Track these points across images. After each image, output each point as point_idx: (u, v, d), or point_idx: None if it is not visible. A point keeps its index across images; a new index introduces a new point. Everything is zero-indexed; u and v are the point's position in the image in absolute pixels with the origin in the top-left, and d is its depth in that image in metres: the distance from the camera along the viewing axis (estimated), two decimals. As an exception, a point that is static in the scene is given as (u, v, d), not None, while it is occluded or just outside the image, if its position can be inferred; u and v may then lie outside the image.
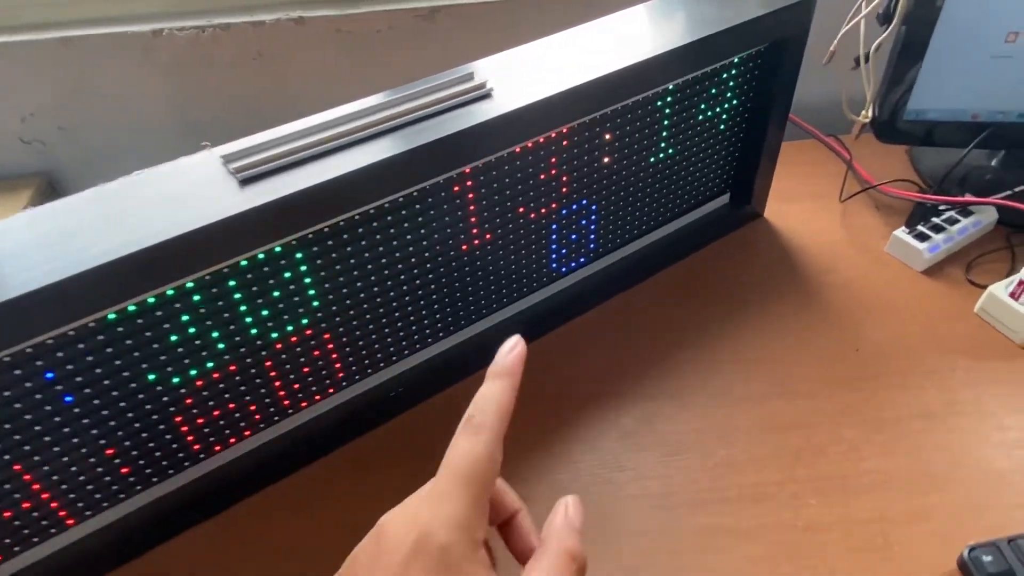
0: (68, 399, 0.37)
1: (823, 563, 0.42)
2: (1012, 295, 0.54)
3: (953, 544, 0.41)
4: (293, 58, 0.77)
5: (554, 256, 0.55)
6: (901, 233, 0.61)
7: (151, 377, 0.40)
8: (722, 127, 0.59)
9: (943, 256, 0.61)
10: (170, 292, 0.37)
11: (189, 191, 0.38)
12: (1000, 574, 0.38)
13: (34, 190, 0.84)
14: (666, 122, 0.54)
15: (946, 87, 0.62)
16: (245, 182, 0.38)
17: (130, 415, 0.40)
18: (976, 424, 0.49)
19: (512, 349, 0.30)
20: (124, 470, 0.42)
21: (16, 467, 0.38)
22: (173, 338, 0.39)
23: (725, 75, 0.55)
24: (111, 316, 0.36)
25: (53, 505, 0.41)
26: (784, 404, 0.51)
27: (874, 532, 0.43)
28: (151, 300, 0.37)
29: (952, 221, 0.62)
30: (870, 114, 0.64)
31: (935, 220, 0.62)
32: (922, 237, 0.60)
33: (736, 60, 0.55)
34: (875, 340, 0.55)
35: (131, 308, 0.37)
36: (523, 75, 0.46)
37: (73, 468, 0.40)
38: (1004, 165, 0.68)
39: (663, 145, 0.55)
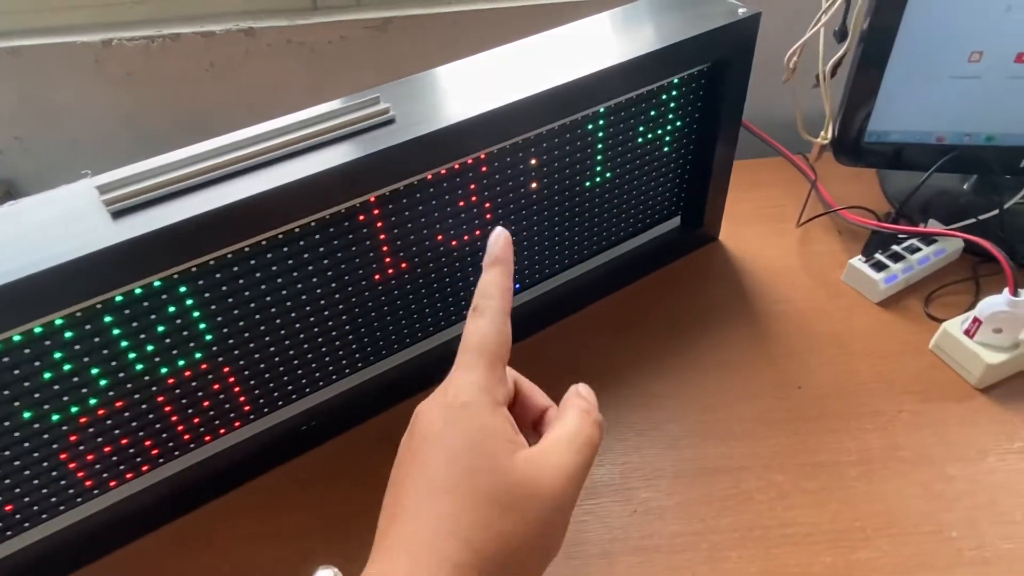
0: (-68, 439, 0.36)
1: (735, 624, 0.40)
2: (967, 332, 0.51)
3: (876, 608, 0.39)
4: (245, 69, 0.76)
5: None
6: (857, 262, 0.58)
7: (27, 415, 0.38)
8: (666, 149, 0.56)
9: (902, 287, 0.58)
10: (38, 329, 0.36)
11: (60, 223, 0.36)
12: (917, 646, 0.36)
13: (-8, 199, 0.83)
14: (600, 145, 0.51)
15: (908, 108, 0.58)
16: (118, 214, 0.36)
17: (7, 453, 0.39)
18: (917, 473, 0.46)
19: (498, 239, 0.34)
20: (8, 508, 0.41)
21: None
22: (47, 376, 0.37)
23: (665, 96, 0.52)
24: (-28, 355, 0.35)
25: (-72, 544, 0.39)
26: (715, 445, 0.48)
27: (793, 592, 0.41)
28: (17, 338, 0.35)
29: (913, 249, 0.58)
30: (829, 135, 0.61)
31: (895, 248, 0.59)
32: (879, 266, 0.57)
33: (676, 81, 0.52)
34: (820, 378, 0.52)
35: (-6, 346, 0.35)
36: (434, 100, 0.44)
37: (-53, 507, 0.39)
38: (976, 190, 0.64)
39: (599, 169, 0.53)
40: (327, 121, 0.41)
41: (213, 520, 0.47)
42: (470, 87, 0.45)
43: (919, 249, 0.58)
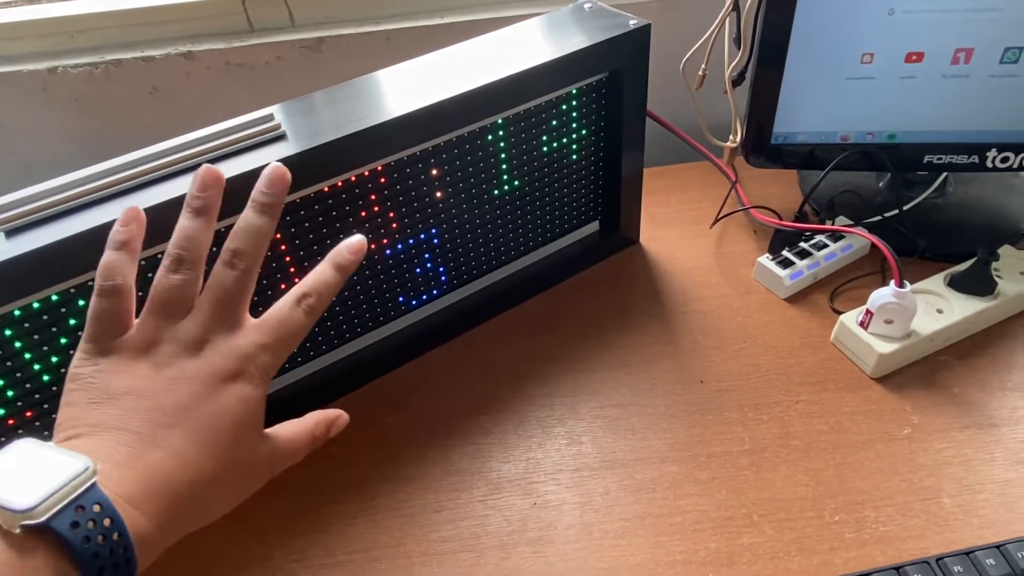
0: None
1: (617, 610, 0.41)
2: (861, 324, 0.53)
3: (753, 590, 0.40)
4: (187, 91, 0.78)
5: (398, 290, 0.55)
6: (764, 260, 0.60)
7: (-66, 425, 0.40)
8: (575, 157, 0.58)
9: (808, 283, 0.60)
10: (-65, 344, 0.38)
11: (-43, 243, 0.38)
12: (780, 623, 0.37)
13: (-50, 224, 0.85)
14: (503, 155, 0.53)
15: (810, 110, 0.60)
16: (10, 233, 0.38)
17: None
18: (807, 461, 0.48)
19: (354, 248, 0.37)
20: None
21: None
22: (-49, 387, 0.39)
23: (565, 106, 0.55)
24: None
25: None
26: (616, 440, 0.50)
27: (678, 574, 0.42)
28: (-85, 352, 0.38)
29: (820, 246, 0.60)
30: (737, 139, 0.63)
31: (803, 245, 0.60)
32: (786, 263, 0.59)
33: (574, 91, 0.54)
34: (722, 372, 0.54)
35: None
36: (328, 115, 0.46)
37: None
38: (890, 187, 0.66)
39: (506, 178, 0.55)
40: (220, 138, 0.44)
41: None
42: (365, 102, 0.47)
43: (826, 246, 0.60)
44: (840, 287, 0.59)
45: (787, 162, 0.65)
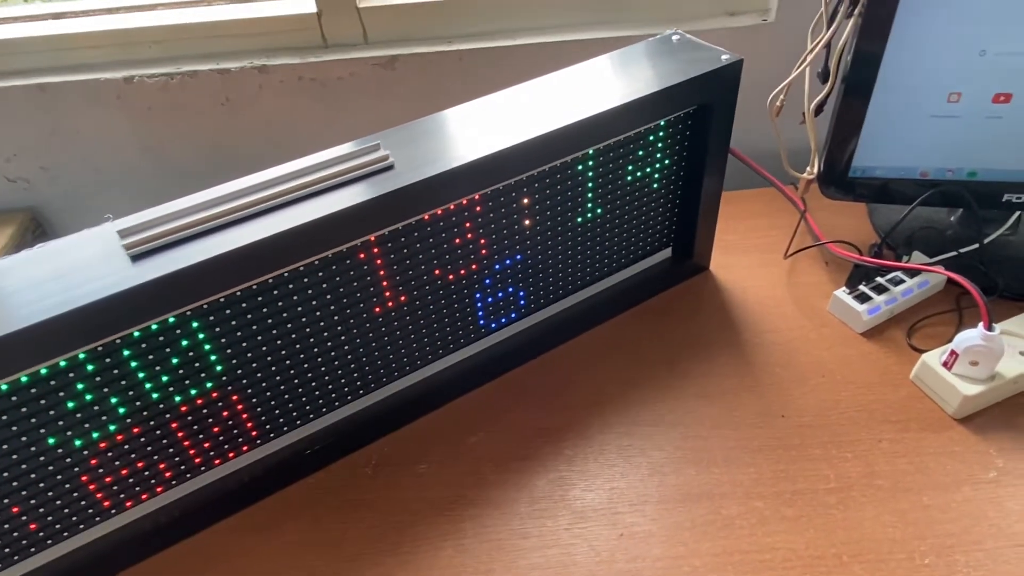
0: (-35, 463, 0.39)
1: (712, 646, 0.42)
2: (945, 364, 0.53)
3: (845, 633, 0.41)
4: (259, 103, 0.79)
5: (481, 313, 0.56)
6: (841, 293, 0.60)
7: (51, 441, 0.41)
8: (655, 186, 0.59)
9: (885, 318, 0.60)
10: (63, 363, 0.39)
11: (84, 266, 0.39)
12: (883, 670, 0.37)
13: (18, 225, 0.87)
14: (590, 184, 0.54)
15: (891, 145, 0.61)
16: (136, 258, 0.39)
17: (33, 475, 0.42)
18: (894, 501, 0.48)
19: None
20: (32, 526, 0.44)
21: (-83, 526, 0.40)
22: (70, 405, 0.41)
23: (652, 137, 0.55)
24: (3, 387, 0.38)
25: (-41, 560, 0.42)
26: (698, 473, 0.50)
27: (769, 615, 0.43)
28: (44, 371, 0.39)
29: (897, 281, 0.60)
30: (814, 171, 0.64)
31: (879, 280, 0.61)
32: (863, 298, 0.59)
33: (663, 123, 0.55)
34: (803, 406, 0.54)
35: (24, 379, 0.38)
36: (431, 145, 0.47)
37: (-24, 526, 0.42)
38: (962, 223, 0.66)
39: (590, 206, 0.55)
40: (330, 167, 0.44)
41: (221, 539, 0.50)
42: (465, 133, 0.48)
43: (903, 281, 0.60)
44: (916, 324, 0.59)
45: (861, 195, 0.65)
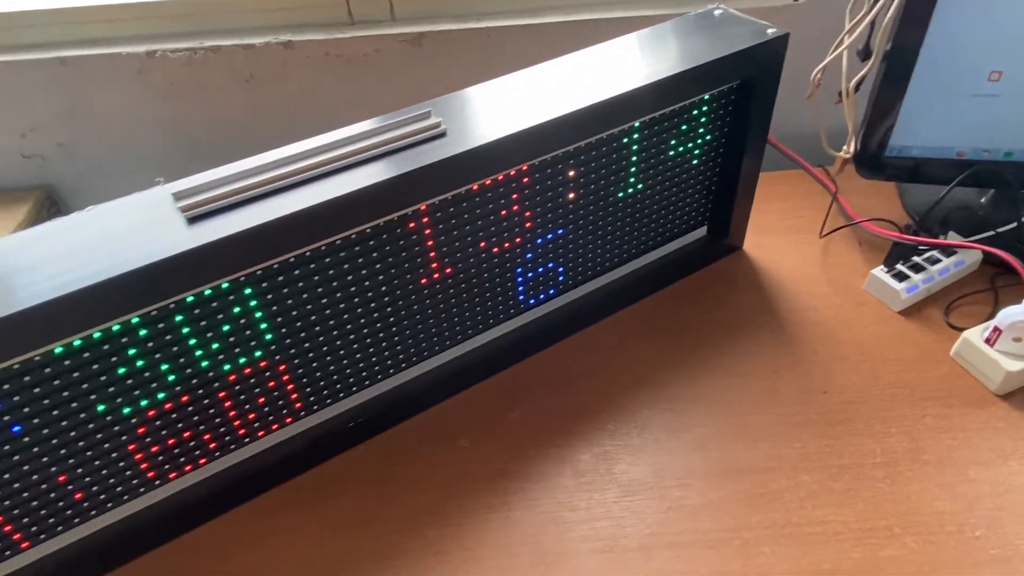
0: (16, 429, 0.38)
1: (768, 616, 0.41)
2: (987, 341, 0.53)
3: (903, 602, 0.41)
4: (283, 81, 0.78)
5: (521, 288, 0.55)
6: (879, 272, 0.60)
7: (101, 408, 0.40)
8: (695, 162, 0.58)
9: (922, 296, 0.60)
10: (116, 327, 0.38)
11: (139, 228, 0.38)
12: (945, 638, 0.37)
13: (34, 202, 0.86)
14: (634, 158, 0.54)
15: (929, 124, 0.60)
16: (192, 220, 0.38)
17: (81, 443, 0.41)
18: (939, 476, 0.48)
19: None
20: (77, 495, 0.43)
21: (-35, 493, 0.39)
22: (121, 371, 0.40)
23: (696, 111, 0.55)
24: (58, 350, 0.37)
25: (7, 528, 0.41)
26: (744, 447, 0.50)
27: (823, 585, 0.43)
28: (97, 334, 0.38)
29: (933, 261, 0.60)
30: (851, 149, 0.63)
31: (915, 259, 0.61)
32: (901, 277, 0.59)
33: (707, 97, 0.54)
34: (845, 383, 0.54)
35: (77, 342, 0.37)
36: (480, 114, 0.46)
37: (24, 493, 0.41)
38: (993, 204, 0.66)
39: (632, 180, 0.55)
40: (383, 134, 0.44)
41: (265, 512, 0.49)
42: (514, 102, 0.47)
43: (939, 260, 0.60)
44: (953, 303, 0.59)
45: (894, 175, 0.65)
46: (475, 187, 0.47)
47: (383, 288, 0.47)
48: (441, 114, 0.46)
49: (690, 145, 0.57)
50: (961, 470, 0.48)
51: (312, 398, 0.49)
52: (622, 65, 0.51)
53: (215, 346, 0.42)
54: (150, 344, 0.40)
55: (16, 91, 0.79)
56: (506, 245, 0.51)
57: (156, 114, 0.81)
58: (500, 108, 0.47)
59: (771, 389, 0.54)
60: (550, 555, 0.45)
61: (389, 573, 0.45)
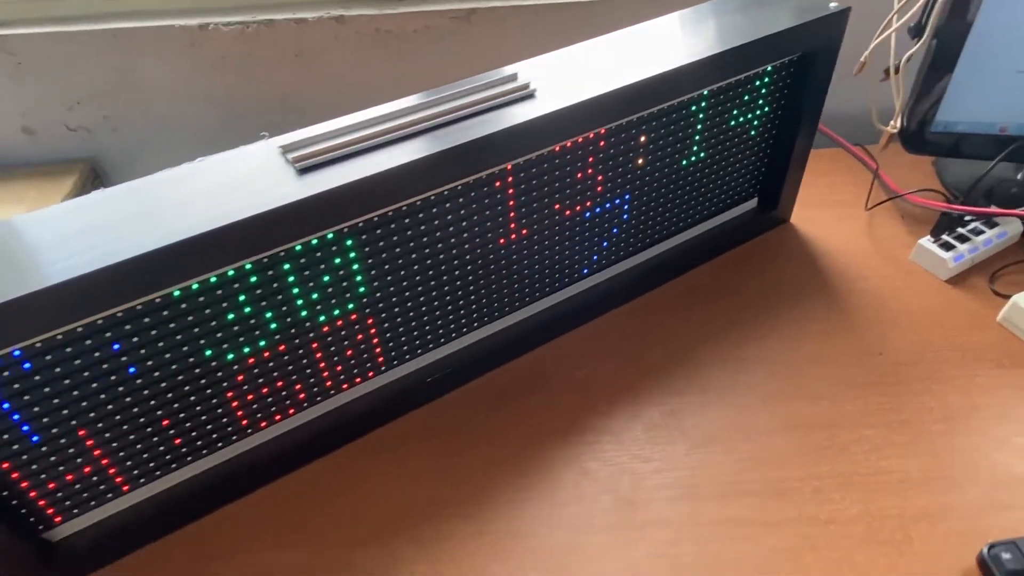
0: (132, 370, 0.40)
1: (845, 556, 0.43)
2: (1035, 305, 0.55)
3: (972, 542, 0.43)
4: (333, 55, 0.79)
5: (586, 253, 0.57)
6: (926, 242, 0.62)
7: (208, 353, 0.42)
8: (753, 133, 0.60)
9: (967, 266, 0.62)
10: (231, 272, 0.40)
11: (251, 178, 0.40)
12: (1019, 572, 0.40)
13: (78, 176, 0.87)
14: (699, 126, 0.55)
15: (975, 100, 0.63)
16: (303, 171, 0.40)
17: (186, 388, 0.42)
18: (995, 429, 0.50)
19: None
20: (176, 441, 0.44)
21: (81, 432, 0.40)
22: (230, 316, 0.41)
23: (758, 82, 0.56)
24: (176, 293, 0.38)
25: (111, 471, 0.43)
26: (807, 405, 0.52)
27: (894, 527, 0.45)
28: (213, 279, 0.39)
29: (977, 232, 0.63)
30: (898, 125, 0.66)
31: (960, 230, 0.63)
32: (947, 247, 0.62)
33: (769, 69, 0.56)
34: (898, 346, 0.56)
35: (194, 287, 0.39)
36: (564, 78, 0.48)
37: (131, 436, 0.42)
38: (1031, 178, 0.69)
39: (695, 149, 0.57)
40: (475, 94, 0.45)
41: (344, 464, 0.50)
42: (595, 67, 0.49)
43: (982, 232, 0.63)
44: (997, 272, 0.62)
45: (936, 150, 0.67)
46: (556, 148, 0.48)
47: (466, 247, 0.49)
48: (528, 77, 0.48)
49: (750, 116, 0.59)
50: (1018, 424, 0.50)
51: (393, 353, 0.51)
52: (692, 34, 0.52)
53: (314, 296, 0.44)
54: (258, 291, 0.41)
55: (66, 63, 0.80)
56: (577, 208, 0.53)
57: (203, 88, 0.82)
58: (583, 71, 0.49)
59: (828, 351, 0.56)
60: (627, 501, 0.47)
61: (470, 520, 0.47)
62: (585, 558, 0.44)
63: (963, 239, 0.62)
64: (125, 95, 0.83)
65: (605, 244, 0.58)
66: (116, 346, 0.38)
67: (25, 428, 0.38)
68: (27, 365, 0.36)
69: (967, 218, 0.64)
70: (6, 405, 0.37)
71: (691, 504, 0.47)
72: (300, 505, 0.48)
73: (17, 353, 0.35)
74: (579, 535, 0.46)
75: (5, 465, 0.39)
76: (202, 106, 0.84)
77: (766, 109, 0.59)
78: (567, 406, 0.53)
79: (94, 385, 0.39)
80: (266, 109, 0.84)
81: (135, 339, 0.39)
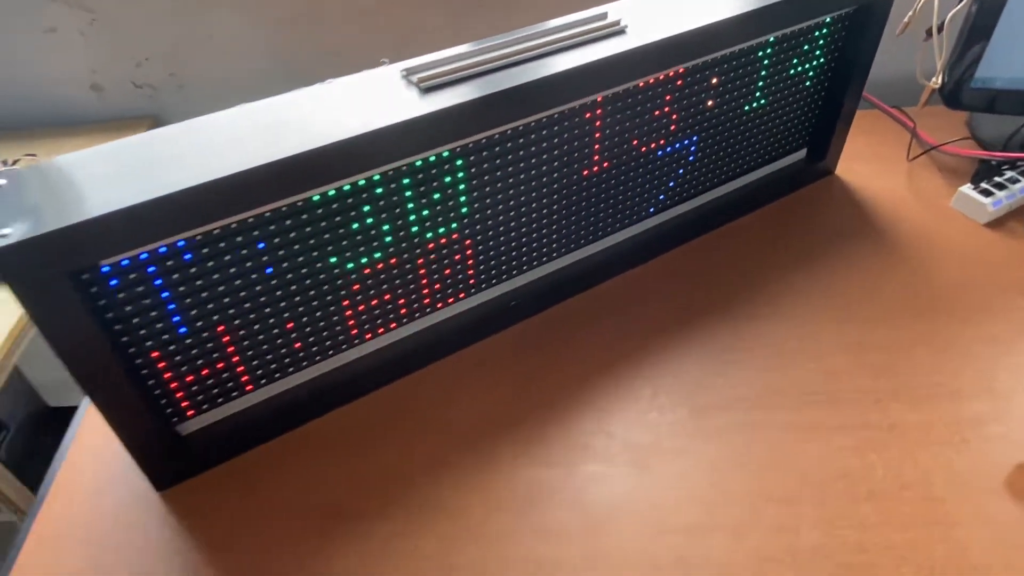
0: (269, 270, 0.43)
1: (907, 454, 0.48)
2: (1072, 243, 0.59)
3: (1022, 442, 0.47)
4: (393, 11, 0.83)
5: (654, 192, 0.61)
6: (967, 189, 0.67)
7: (332, 260, 0.46)
8: (807, 84, 0.64)
9: (1005, 211, 0.66)
10: (361, 182, 0.43)
11: (379, 96, 0.44)
12: (1068, 460, 0.44)
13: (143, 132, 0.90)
14: (763, 72, 0.59)
15: (1014, 58, 0.67)
16: (426, 90, 0.44)
17: (311, 293, 0.46)
18: (1043, 350, 0.54)
19: None
20: (296, 345, 0.48)
21: (220, 327, 0.44)
22: (355, 226, 0.45)
23: (817, 33, 0.60)
24: (315, 198, 0.42)
25: (239, 369, 0.47)
26: (863, 329, 0.56)
27: (951, 431, 0.49)
28: (346, 187, 0.43)
29: (1013, 181, 0.67)
30: (939, 81, 0.70)
31: (997, 179, 0.67)
32: (986, 193, 0.66)
33: (828, 20, 0.60)
34: (944, 280, 0.60)
35: (331, 192, 0.43)
36: (650, 17, 0.52)
37: (260, 336, 0.46)
38: (1060, 135, 0.73)
39: (758, 95, 0.61)
40: (569, 29, 0.49)
41: (436, 377, 0.54)
42: (677, 9, 0.53)
43: (1018, 180, 0.67)
44: (1032, 217, 0.66)
45: (973, 105, 0.72)
46: (641, 84, 0.52)
47: (554, 175, 0.52)
48: (617, 16, 0.51)
49: (807, 66, 0.63)
50: (1060, 347, 0.55)
51: (483, 276, 0.55)
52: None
53: (424, 213, 0.48)
54: (380, 203, 0.45)
55: (138, 19, 0.83)
56: (652, 145, 0.57)
57: (270, 47, 0.86)
58: (666, 14, 0.52)
59: (879, 284, 0.60)
60: (702, 409, 0.51)
61: (561, 425, 0.51)
62: (667, 457, 0.48)
63: (1000, 187, 0.66)
64: (193, 53, 0.87)
65: (671, 184, 0.62)
66: (261, 244, 0.42)
67: (176, 318, 0.42)
68: (187, 256, 0.40)
69: (1004, 167, 0.68)
70: (165, 294, 0.40)
71: (762, 413, 0.51)
72: (396, 412, 0.52)
73: (182, 243, 0.39)
74: (659, 439, 0.50)
75: (155, 354, 0.43)
76: (267, 65, 0.87)
77: (821, 60, 0.63)
78: (640, 328, 0.57)
79: (237, 282, 0.43)
80: (332, 70, 0.87)
81: (276, 239, 0.42)
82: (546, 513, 0.46)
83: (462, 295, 0.55)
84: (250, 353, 0.46)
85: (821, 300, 0.59)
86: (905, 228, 0.66)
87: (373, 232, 0.46)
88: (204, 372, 0.45)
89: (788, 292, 0.60)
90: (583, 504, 0.46)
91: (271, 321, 0.46)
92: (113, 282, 0.38)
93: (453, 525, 0.45)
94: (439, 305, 0.54)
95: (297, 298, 0.46)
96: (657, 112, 0.55)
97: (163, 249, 0.39)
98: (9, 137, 0.89)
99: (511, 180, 0.50)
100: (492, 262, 0.54)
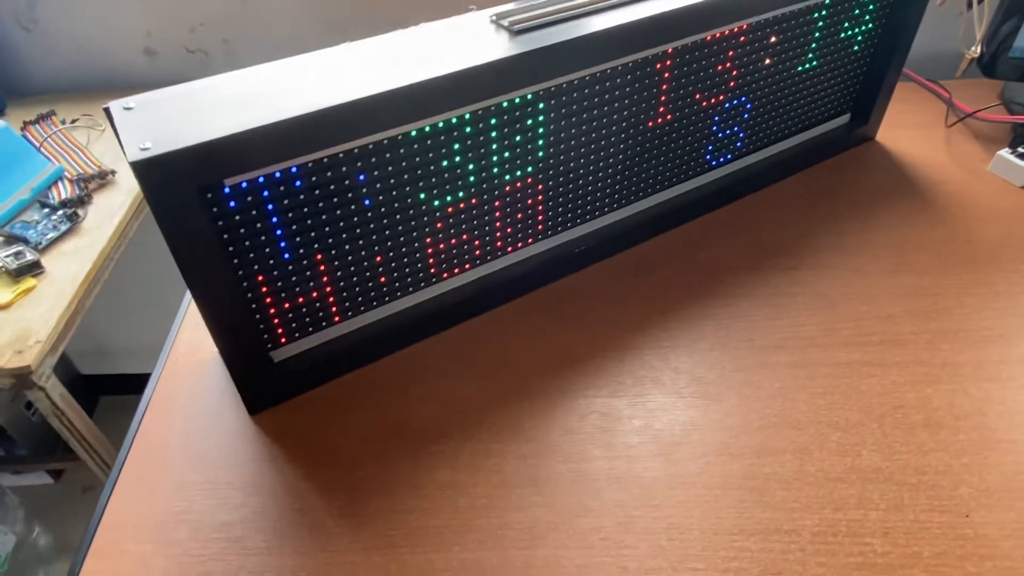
0: (367, 202, 0.46)
1: (960, 388, 0.50)
2: (1109, 201, 0.62)
3: (1070, 376, 0.50)
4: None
5: (710, 148, 0.64)
6: (1005, 152, 0.69)
7: (422, 196, 0.48)
8: (855, 48, 0.67)
9: (1041, 174, 0.69)
10: (454, 120, 0.46)
11: (471, 38, 0.46)
12: (1116, 391, 0.47)
13: (193, 97, 0.92)
14: (817, 34, 0.62)
15: (1052, 26, 0.69)
16: (516, 32, 0.46)
17: (400, 228, 0.49)
18: (1081, 299, 0.57)
19: None
20: (382, 279, 0.51)
21: (318, 256, 0.46)
22: (444, 163, 0.47)
23: (868, -2, 0.63)
24: (412, 132, 0.45)
25: (330, 299, 0.49)
26: (912, 278, 0.59)
27: (1000, 368, 0.52)
28: (440, 124, 0.46)
29: (1050, 145, 0.70)
30: (978, 51, 0.72)
31: (1034, 144, 0.70)
32: (1023, 157, 0.69)
33: (879, -16, 0.63)
34: (985, 236, 0.63)
35: (427, 128, 0.45)
36: (718, -26, 0.54)
37: (352, 268, 0.48)
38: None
39: (810, 56, 0.63)
40: (646, -18, 0.52)
41: (509, 318, 0.57)
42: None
43: (1055, 146, 0.70)
44: (1068, 180, 0.69)
45: (1010, 74, 0.74)
46: (707, 38, 0.55)
47: (624, 124, 0.55)
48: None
49: (857, 31, 0.65)
50: (1098, 297, 0.57)
51: (551, 222, 0.57)
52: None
53: (506, 155, 0.50)
54: (469, 142, 0.48)
55: (195, -16, 0.86)
56: (712, 100, 0.60)
57: (324, 14, 0.88)
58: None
59: (924, 239, 0.63)
60: (763, 347, 0.54)
61: (622, 361, 0.53)
62: (732, 389, 0.51)
63: (1038, 151, 0.69)
64: (247, 19, 0.89)
65: (726, 141, 0.64)
66: (361, 176, 0.44)
67: (282, 244, 0.44)
68: (298, 183, 0.42)
69: (1041, 132, 0.70)
70: (275, 219, 0.43)
71: (820, 352, 0.54)
72: (473, 347, 0.55)
73: (295, 169, 0.42)
74: (723, 372, 0.53)
75: (260, 278, 0.45)
76: (321, 33, 0.90)
77: (870, 26, 0.66)
78: (694, 279, 0.60)
79: (338, 212, 0.45)
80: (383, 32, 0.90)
81: (376, 172, 0.45)
82: (618, 437, 0.48)
83: (530, 240, 0.57)
84: (342, 284, 0.49)
85: (869, 252, 0.62)
86: (946, 189, 0.69)
87: (459, 171, 0.48)
88: (300, 300, 0.48)
89: (841, 244, 0.63)
90: (654, 430, 0.49)
91: (363, 253, 0.48)
92: (232, 204, 0.41)
93: (533, 446, 0.48)
94: (509, 249, 0.56)
95: (387, 231, 0.48)
96: (719, 67, 0.57)
97: (278, 174, 0.41)
98: (65, 99, 0.91)
99: (584, 127, 0.53)
100: (560, 208, 0.57)
